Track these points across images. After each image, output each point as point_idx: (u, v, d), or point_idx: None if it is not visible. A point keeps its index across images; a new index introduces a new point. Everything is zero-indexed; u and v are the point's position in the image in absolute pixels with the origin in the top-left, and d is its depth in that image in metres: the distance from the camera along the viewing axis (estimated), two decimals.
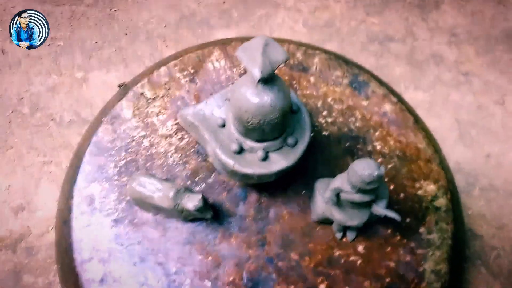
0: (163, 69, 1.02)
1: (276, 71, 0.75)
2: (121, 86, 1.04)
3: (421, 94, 1.12)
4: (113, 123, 0.97)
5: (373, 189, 0.74)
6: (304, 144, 0.81)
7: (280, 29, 1.20)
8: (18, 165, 1.07)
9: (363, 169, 0.71)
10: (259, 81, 0.67)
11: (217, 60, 1.03)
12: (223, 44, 1.05)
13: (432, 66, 1.15)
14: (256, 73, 0.66)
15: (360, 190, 0.74)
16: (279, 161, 0.80)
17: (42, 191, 1.05)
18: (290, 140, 0.80)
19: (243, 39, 1.04)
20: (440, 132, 1.09)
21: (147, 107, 0.98)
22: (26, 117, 1.11)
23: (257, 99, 0.70)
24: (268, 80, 0.70)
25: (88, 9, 1.21)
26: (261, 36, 0.69)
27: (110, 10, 1.21)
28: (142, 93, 1.00)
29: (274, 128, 0.75)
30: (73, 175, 0.95)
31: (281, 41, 1.05)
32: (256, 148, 0.79)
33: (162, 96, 0.99)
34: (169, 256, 0.87)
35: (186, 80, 1.01)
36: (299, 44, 1.06)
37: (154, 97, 0.99)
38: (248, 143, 0.79)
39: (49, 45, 1.17)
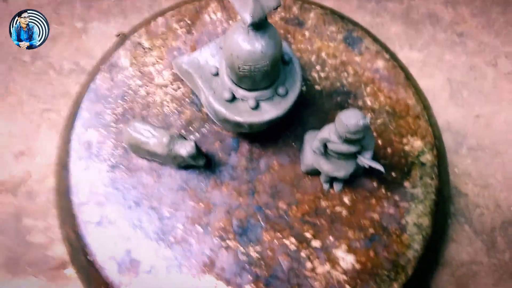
0: (160, 20, 1.03)
1: (270, 22, 0.76)
2: (119, 35, 1.05)
3: (415, 54, 1.13)
4: (111, 72, 0.99)
5: (359, 140, 0.76)
6: (294, 94, 0.83)
7: None
8: (19, 112, 1.09)
9: (349, 118, 0.73)
10: (250, 25, 0.69)
11: (213, 12, 1.04)
12: None
13: (428, 26, 1.16)
14: (247, 17, 0.68)
15: (346, 140, 0.77)
16: (270, 110, 0.82)
17: (42, 137, 1.07)
18: (281, 90, 0.82)
19: None
20: (432, 91, 1.10)
21: (144, 56, 1.00)
22: (27, 65, 1.13)
23: (248, 46, 0.72)
24: (260, 26, 0.71)
25: None
26: None
27: None
28: (139, 43, 1.01)
29: (264, 76, 0.77)
30: (71, 121, 0.97)
31: None
32: (247, 96, 0.82)
33: (159, 46, 1.01)
34: (162, 201, 0.90)
35: (183, 31, 1.02)
36: None
37: (151, 47, 1.01)
38: (240, 92, 0.81)
39: None
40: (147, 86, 0.98)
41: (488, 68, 1.12)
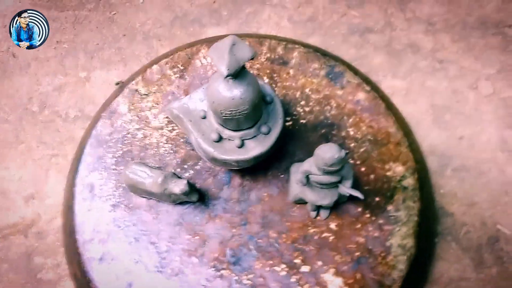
0: (155, 67, 1.11)
1: (251, 67, 0.83)
2: (118, 84, 1.14)
3: (398, 82, 1.19)
4: (111, 118, 1.07)
5: (337, 170, 0.82)
6: (276, 132, 0.90)
7: (266, 25, 1.28)
8: (29, 159, 1.18)
9: (325, 152, 0.80)
10: (226, 76, 0.76)
11: (204, 57, 1.11)
12: (210, 42, 1.13)
13: (410, 54, 1.22)
14: (223, 70, 0.75)
15: (326, 172, 0.83)
16: (254, 148, 0.89)
17: (50, 181, 1.15)
18: (264, 129, 0.89)
19: None
20: (416, 117, 1.16)
21: (141, 102, 1.08)
22: (36, 114, 1.22)
23: (228, 93, 0.79)
24: (237, 75, 0.78)
25: (89, 13, 1.31)
26: (229, 36, 0.77)
27: (110, 13, 1.31)
28: (136, 90, 1.09)
29: (247, 119, 0.84)
30: (76, 165, 1.05)
31: (263, 37, 1.14)
32: (233, 136, 0.88)
33: (155, 92, 1.09)
34: (160, 236, 0.97)
35: (177, 76, 1.10)
36: (280, 40, 1.14)
37: (148, 93, 1.09)
38: (226, 132, 0.88)
39: (55, 48, 1.27)
40: (144, 129, 1.05)
41: (469, 91, 1.17)
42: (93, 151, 1.05)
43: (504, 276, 1.04)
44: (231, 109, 0.80)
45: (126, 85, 1.11)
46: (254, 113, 0.85)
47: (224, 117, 0.83)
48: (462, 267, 1.05)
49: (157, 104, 1.08)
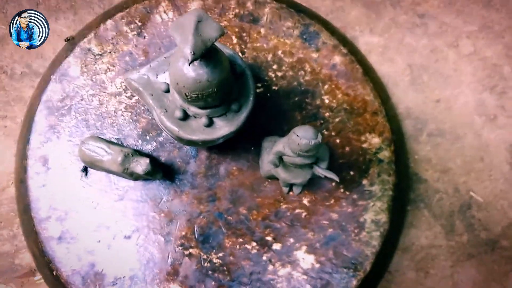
0: (109, 22, 0.99)
1: (216, 43, 0.72)
2: (69, 39, 1.01)
3: (376, 38, 1.11)
4: (62, 81, 0.96)
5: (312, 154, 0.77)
6: (247, 110, 0.82)
7: None
8: None
9: (300, 138, 0.73)
10: (191, 61, 0.66)
11: (165, 12, 1.00)
12: None
13: (389, 8, 1.13)
14: (188, 54, 0.65)
15: (300, 155, 0.77)
16: (223, 127, 0.81)
17: None
18: (234, 106, 0.81)
19: None
20: (393, 77, 1.09)
21: (95, 63, 0.97)
22: None
23: (193, 74, 0.70)
24: (204, 55, 0.69)
25: None
26: (194, 11, 0.67)
27: None
28: (89, 49, 0.98)
29: (215, 98, 0.76)
30: (26, 135, 0.96)
31: None
32: (200, 114, 0.80)
33: (110, 52, 0.98)
34: (124, 214, 0.91)
35: (134, 34, 0.99)
36: None
37: (102, 53, 0.98)
38: (192, 109, 0.80)
39: None
40: (100, 95, 0.95)
41: (450, 50, 1.11)
42: (44, 120, 0.95)
43: (474, 243, 1.04)
44: (196, 92, 0.72)
45: (77, 43, 0.99)
46: (222, 93, 0.76)
47: (189, 99, 0.74)
48: (433, 235, 1.04)
49: (113, 67, 0.97)
